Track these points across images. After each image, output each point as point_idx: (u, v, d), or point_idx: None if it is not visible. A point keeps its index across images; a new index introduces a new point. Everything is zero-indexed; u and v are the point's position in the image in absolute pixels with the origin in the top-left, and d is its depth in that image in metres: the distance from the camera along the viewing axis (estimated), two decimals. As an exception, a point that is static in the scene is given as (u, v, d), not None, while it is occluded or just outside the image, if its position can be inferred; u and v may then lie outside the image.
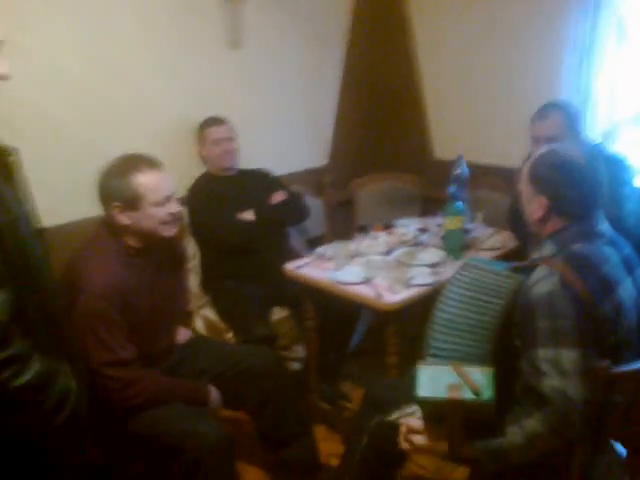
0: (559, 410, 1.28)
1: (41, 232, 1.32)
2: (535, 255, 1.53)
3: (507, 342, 1.46)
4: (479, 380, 1.36)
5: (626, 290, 1.42)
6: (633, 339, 1.43)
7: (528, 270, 1.46)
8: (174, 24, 2.52)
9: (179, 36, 2.55)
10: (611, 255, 1.43)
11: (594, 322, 1.34)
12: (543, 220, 1.49)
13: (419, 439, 1.43)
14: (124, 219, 1.72)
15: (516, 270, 1.49)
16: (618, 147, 2.53)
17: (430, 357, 1.47)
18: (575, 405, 1.28)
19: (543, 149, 1.53)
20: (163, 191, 1.74)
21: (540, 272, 1.39)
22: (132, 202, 1.71)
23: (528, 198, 1.52)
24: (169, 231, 1.79)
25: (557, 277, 1.35)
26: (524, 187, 1.53)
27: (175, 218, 1.80)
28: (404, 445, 1.46)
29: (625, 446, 1.57)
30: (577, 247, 1.41)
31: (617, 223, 2.00)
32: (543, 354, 1.32)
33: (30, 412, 1.18)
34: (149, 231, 1.75)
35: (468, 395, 1.34)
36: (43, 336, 1.21)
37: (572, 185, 1.43)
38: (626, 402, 1.39)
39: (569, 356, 1.30)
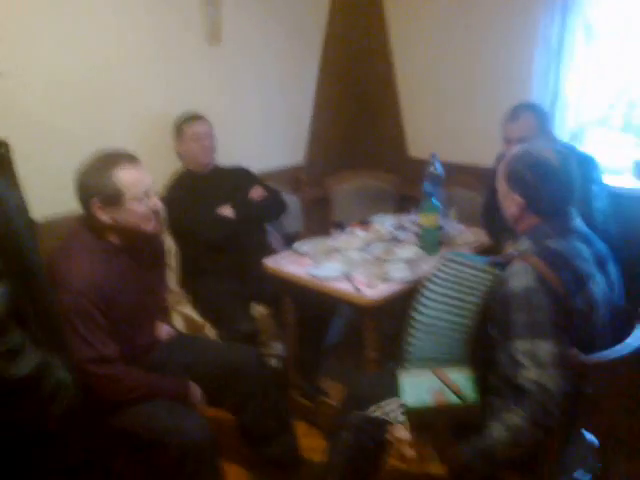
0: (537, 401, 1.32)
1: (32, 223, 1.31)
2: (510, 250, 1.59)
3: (482, 334, 1.51)
4: (460, 382, 1.41)
5: (598, 284, 1.47)
6: (606, 334, 1.49)
7: (505, 265, 1.51)
8: (154, 20, 2.52)
9: (159, 32, 2.55)
10: (583, 250, 1.48)
11: (568, 315, 1.39)
12: (518, 217, 1.54)
13: (410, 452, 1.48)
14: (105, 216, 1.72)
15: (494, 265, 1.54)
16: (585, 148, 2.61)
17: (409, 362, 1.51)
18: (552, 396, 1.32)
19: (517, 149, 1.58)
20: (142, 186, 1.74)
21: (516, 266, 1.43)
22: (113, 198, 1.70)
23: (504, 195, 1.58)
24: (150, 226, 1.79)
25: (532, 271, 1.39)
26: (500, 185, 1.58)
27: (156, 212, 1.80)
28: (396, 459, 1.52)
29: (596, 435, 1.65)
30: (551, 242, 1.46)
31: (587, 220, 2.08)
32: (520, 345, 1.36)
33: (24, 403, 1.18)
34: (131, 227, 1.75)
35: (453, 399, 1.38)
36: (37, 328, 1.21)
37: (545, 184, 1.48)
38: (596, 392, 1.45)
39: (545, 348, 1.34)
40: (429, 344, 1.54)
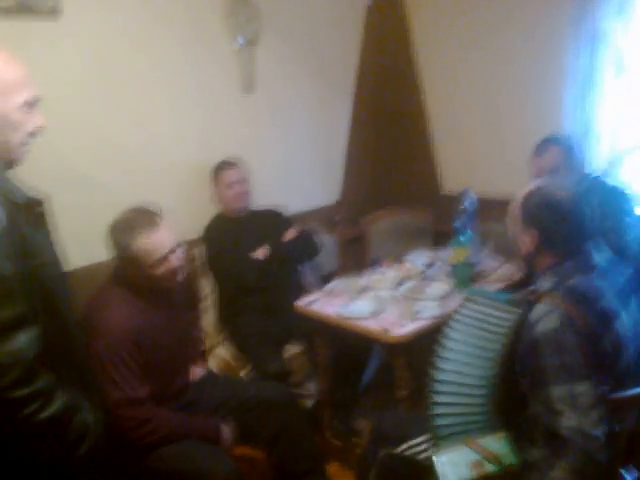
0: (581, 450, 1.27)
1: (64, 276, 1.41)
2: (532, 287, 1.57)
3: (510, 386, 1.47)
4: (497, 449, 1.37)
5: (623, 323, 1.43)
6: (633, 369, 1.44)
7: (528, 303, 1.48)
8: (191, 70, 2.66)
9: (195, 82, 2.69)
10: (606, 289, 1.44)
11: (597, 356, 1.35)
12: (535, 254, 1.53)
13: None
14: (133, 269, 1.80)
15: (517, 302, 1.52)
16: (621, 177, 2.56)
17: (438, 439, 1.46)
18: (597, 442, 1.27)
19: (530, 187, 1.57)
20: (160, 251, 1.78)
21: (541, 309, 1.40)
22: (131, 262, 1.78)
23: (518, 233, 1.56)
24: (173, 280, 1.85)
25: (558, 313, 1.36)
26: (513, 224, 1.57)
27: (177, 269, 1.84)
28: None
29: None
30: (574, 282, 1.43)
31: (622, 251, 2.04)
32: (556, 392, 1.32)
33: (52, 445, 1.24)
34: (153, 281, 1.83)
35: (492, 468, 1.35)
36: (65, 372, 1.29)
37: (559, 221, 1.47)
38: (628, 430, 1.40)
39: (582, 390, 1.30)
40: (453, 408, 1.50)
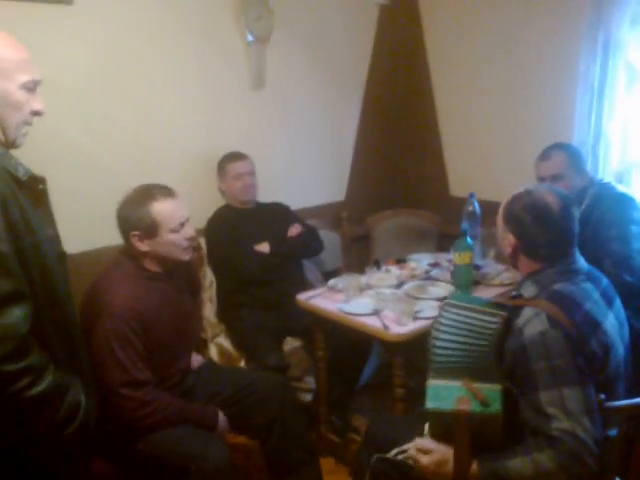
0: (571, 450, 1.28)
1: (63, 255, 1.42)
2: (515, 293, 1.55)
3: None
4: (487, 393, 1.38)
5: (611, 324, 1.44)
6: (622, 371, 1.44)
7: (513, 308, 1.47)
8: (200, 63, 2.67)
9: (205, 75, 2.70)
10: (592, 291, 1.45)
11: (588, 359, 1.36)
12: (513, 257, 1.53)
13: (426, 460, 1.44)
14: (143, 246, 1.82)
15: (499, 307, 1.50)
16: (631, 188, 2.55)
17: (436, 370, 1.48)
18: (587, 445, 1.27)
19: (520, 190, 1.56)
20: (178, 218, 1.84)
21: (527, 313, 1.40)
22: (150, 230, 1.81)
23: (500, 233, 1.57)
24: (185, 255, 1.89)
25: (544, 316, 1.36)
26: (498, 222, 1.58)
27: (191, 242, 1.89)
28: (411, 462, 1.47)
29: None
30: (558, 286, 1.43)
31: (624, 261, 2.03)
32: (546, 397, 1.32)
33: (41, 422, 1.25)
34: (166, 256, 1.85)
35: (476, 407, 1.36)
36: (58, 350, 1.30)
37: (541, 228, 1.46)
38: (623, 437, 1.39)
39: (571, 394, 1.30)
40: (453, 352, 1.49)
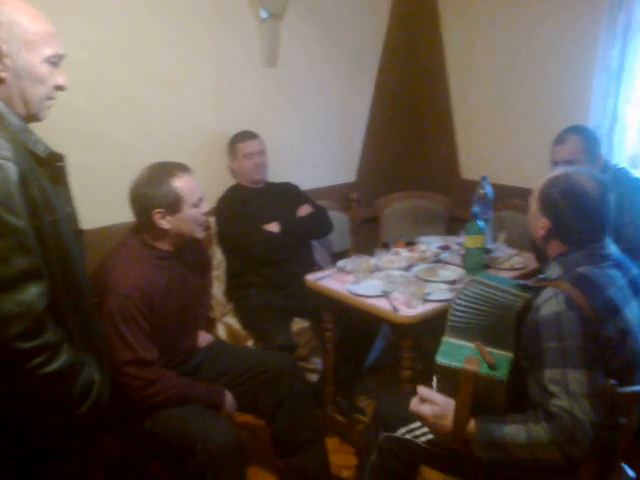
0: (565, 428, 1.28)
1: (80, 233, 1.42)
2: (542, 275, 1.55)
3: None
4: (498, 359, 1.40)
5: (633, 312, 1.42)
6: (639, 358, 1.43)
7: (535, 289, 1.47)
8: (213, 41, 2.64)
9: (219, 53, 2.67)
10: (617, 278, 1.43)
11: (599, 343, 1.35)
12: (545, 240, 1.51)
13: (426, 409, 1.44)
14: (165, 224, 1.81)
15: (523, 289, 1.50)
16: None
17: (452, 328, 1.49)
18: (582, 425, 1.28)
19: (559, 170, 1.55)
20: (197, 192, 1.85)
21: (547, 293, 1.40)
22: (174, 206, 1.80)
23: (534, 215, 1.54)
24: (200, 232, 1.89)
25: (563, 297, 1.36)
26: (532, 203, 1.55)
27: (206, 218, 1.90)
28: (412, 410, 1.48)
29: (634, 469, 1.56)
30: (582, 270, 1.42)
31: (637, 248, 2.00)
32: (550, 375, 1.33)
33: (55, 400, 1.25)
34: (185, 233, 1.85)
35: (484, 369, 1.38)
36: (74, 329, 1.29)
37: (576, 214, 1.45)
38: (633, 424, 1.39)
39: (576, 377, 1.30)
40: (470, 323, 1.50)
